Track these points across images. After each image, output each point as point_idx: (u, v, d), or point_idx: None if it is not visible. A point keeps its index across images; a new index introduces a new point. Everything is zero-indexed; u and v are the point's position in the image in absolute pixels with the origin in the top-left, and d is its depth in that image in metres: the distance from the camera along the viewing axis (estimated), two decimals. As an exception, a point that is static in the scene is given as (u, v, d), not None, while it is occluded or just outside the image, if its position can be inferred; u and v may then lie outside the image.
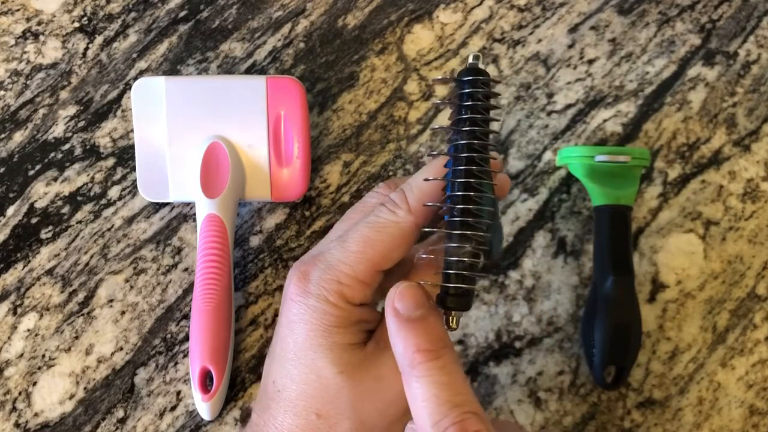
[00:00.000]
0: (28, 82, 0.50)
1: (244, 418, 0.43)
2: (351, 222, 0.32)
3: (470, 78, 0.28)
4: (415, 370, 0.25)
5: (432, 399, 0.25)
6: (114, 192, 0.48)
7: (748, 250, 0.46)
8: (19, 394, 0.44)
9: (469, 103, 0.28)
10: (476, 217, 0.27)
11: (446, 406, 0.24)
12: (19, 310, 0.45)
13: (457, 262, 0.27)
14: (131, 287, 0.46)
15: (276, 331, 0.32)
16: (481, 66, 0.29)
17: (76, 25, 0.52)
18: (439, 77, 0.29)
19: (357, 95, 0.49)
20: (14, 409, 0.43)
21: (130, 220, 0.47)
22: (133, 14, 0.52)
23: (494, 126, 0.31)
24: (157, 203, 0.47)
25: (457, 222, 0.27)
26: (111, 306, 0.45)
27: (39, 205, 0.47)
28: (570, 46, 0.50)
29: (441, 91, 0.49)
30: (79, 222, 0.47)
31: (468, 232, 0.27)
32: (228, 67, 0.50)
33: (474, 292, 0.28)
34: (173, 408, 0.43)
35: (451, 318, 0.28)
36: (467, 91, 0.28)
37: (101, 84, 0.50)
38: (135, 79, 0.50)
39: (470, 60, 0.29)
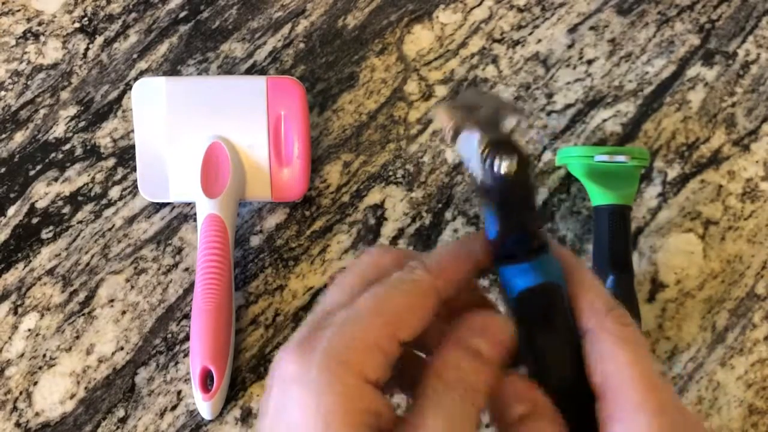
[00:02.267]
0: (28, 83, 0.50)
1: None
2: (347, 286, 0.26)
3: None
4: (584, 266, 0.27)
5: (602, 287, 0.27)
6: (115, 192, 0.48)
7: (747, 249, 0.46)
8: (20, 393, 0.44)
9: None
10: None
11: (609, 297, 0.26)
12: (20, 310, 0.45)
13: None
14: (132, 287, 0.46)
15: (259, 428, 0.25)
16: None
17: (77, 25, 0.52)
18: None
19: (357, 95, 0.50)
20: (15, 408, 0.43)
21: (130, 220, 0.47)
22: (133, 15, 0.52)
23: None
24: (158, 203, 0.47)
25: None
26: (112, 306, 0.45)
27: (40, 205, 0.48)
28: (569, 47, 0.50)
29: (441, 91, 0.49)
30: (80, 222, 0.47)
31: None
32: (228, 68, 0.50)
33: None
34: (174, 407, 0.43)
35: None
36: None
37: (102, 84, 0.50)
38: (135, 79, 0.50)
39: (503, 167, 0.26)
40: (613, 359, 0.26)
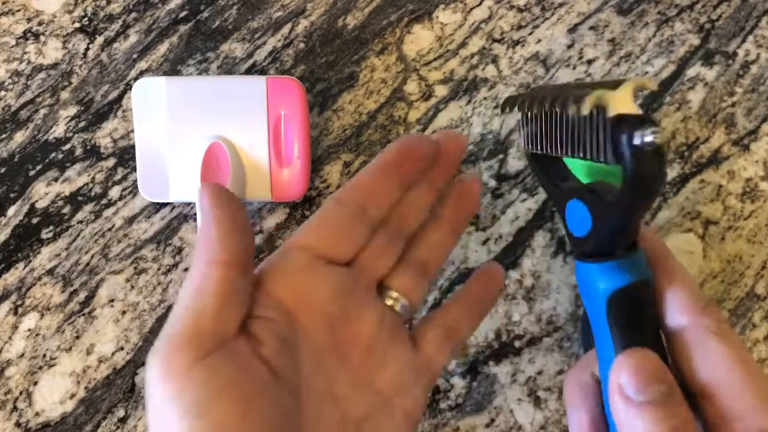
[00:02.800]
0: (28, 83, 0.50)
1: None
2: None
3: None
4: (674, 260, 0.26)
5: (694, 282, 0.26)
6: (115, 192, 0.48)
7: (747, 249, 0.46)
8: (20, 393, 0.44)
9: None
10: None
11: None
12: (20, 310, 0.45)
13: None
14: (132, 287, 0.46)
15: None
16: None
17: (77, 25, 0.52)
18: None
19: (357, 95, 0.50)
20: (15, 408, 0.43)
21: (130, 220, 0.47)
22: (133, 14, 0.52)
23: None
24: (158, 203, 0.47)
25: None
26: (112, 306, 0.45)
27: (40, 205, 0.48)
28: (569, 46, 0.50)
29: (441, 91, 0.49)
30: (80, 222, 0.47)
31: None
32: (228, 68, 0.50)
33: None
34: (174, 407, 0.43)
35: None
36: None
37: (102, 84, 0.50)
38: (135, 79, 0.50)
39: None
40: (720, 358, 0.25)
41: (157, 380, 0.25)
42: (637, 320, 0.27)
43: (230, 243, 0.27)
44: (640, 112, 0.25)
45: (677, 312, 0.27)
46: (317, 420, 0.28)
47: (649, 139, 0.24)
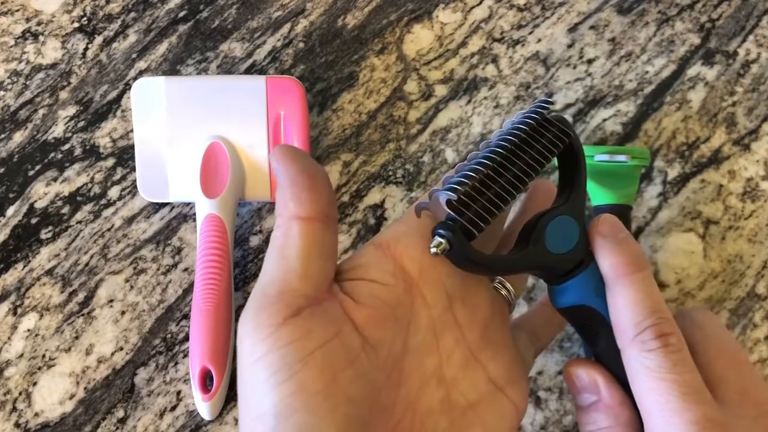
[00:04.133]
0: (27, 83, 0.50)
1: None
2: None
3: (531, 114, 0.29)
4: (621, 279, 0.27)
5: (635, 304, 0.27)
6: (114, 192, 0.48)
7: (747, 249, 0.46)
8: (20, 394, 0.44)
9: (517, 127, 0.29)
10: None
11: (647, 311, 0.27)
12: (19, 311, 0.45)
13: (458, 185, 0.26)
14: (131, 287, 0.46)
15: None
16: (544, 111, 0.29)
17: (76, 25, 0.52)
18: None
19: (357, 95, 0.49)
20: (14, 409, 0.43)
21: (130, 220, 0.47)
22: (132, 14, 0.52)
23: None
24: (157, 203, 0.47)
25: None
26: (111, 306, 0.45)
27: (39, 205, 0.47)
28: (569, 46, 0.50)
29: (441, 90, 0.49)
30: (79, 222, 0.47)
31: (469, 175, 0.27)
32: (228, 67, 0.50)
33: (463, 228, 0.26)
34: (173, 408, 0.43)
35: (433, 241, 0.27)
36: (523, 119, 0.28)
37: (101, 84, 0.50)
38: (135, 79, 0.50)
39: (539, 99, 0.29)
40: (637, 385, 0.27)
41: (246, 339, 0.24)
42: (586, 332, 0.30)
43: (309, 197, 0.26)
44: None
45: (616, 336, 0.28)
46: (416, 400, 0.27)
47: (432, 251, 0.26)
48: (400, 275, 0.27)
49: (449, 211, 0.26)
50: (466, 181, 0.26)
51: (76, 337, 0.45)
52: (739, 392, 0.27)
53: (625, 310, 0.27)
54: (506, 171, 0.28)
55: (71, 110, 0.49)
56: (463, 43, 0.50)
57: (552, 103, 0.29)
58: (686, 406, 0.25)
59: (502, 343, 0.30)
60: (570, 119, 0.48)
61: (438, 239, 0.26)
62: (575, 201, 0.29)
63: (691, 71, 0.49)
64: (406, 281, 0.27)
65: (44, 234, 0.47)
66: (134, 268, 0.46)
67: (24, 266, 0.46)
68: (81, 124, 0.49)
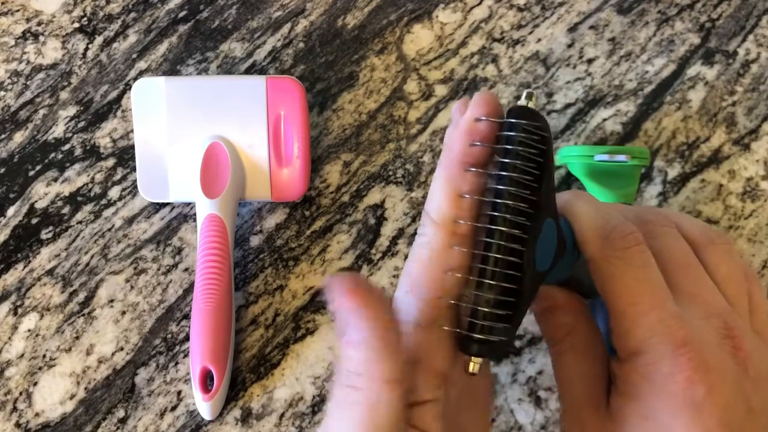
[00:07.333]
0: (28, 83, 0.50)
1: None
2: None
3: (515, 121, 0.25)
4: (579, 198, 0.30)
5: (596, 211, 0.29)
6: (114, 192, 0.48)
7: (747, 249, 0.46)
8: (20, 394, 0.44)
9: (510, 147, 0.25)
10: (505, 264, 0.25)
11: (609, 215, 0.28)
12: (19, 311, 0.45)
13: (475, 310, 0.25)
14: (132, 287, 0.46)
15: None
16: (532, 106, 0.25)
17: (76, 25, 0.52)
18: (485, 119, 0.25)
19: (357, 95, 0.49)
20: (15, 409, 0.43)
21: (130, 221, 0.47)
22: (132, 14, 0.52)
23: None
24: (158, 203, 0.47)
25: (478, 268, 0.25)
26: (111, 306, 0.45)
27: (39, 205, 0.47)
28: (569, 46, 0.50)
29: (441, 90, 0.49)
30: (80, 222, 0.47)
31: (486, 281, 0.24)
32: (228, 67, 0.50)
33: (499, 342, 0.25)
34: (174, 408, 0.43)
35: (470, 363, 0.25)
36: (509, 134, 0.25)
37: (101, 84, 0.50)
38: (135, 79, 0.50)
39: (522, 99, 0.26)
40: (609, 290, 0.28)
41: None
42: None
43: (396, 358, 0.23)
44: None
45: (582, 248, 0.28)
46: None
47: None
48: (443, 380, 0.26)
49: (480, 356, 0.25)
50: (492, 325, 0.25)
51: (77, 337, 0.45)
52: (690, 295, 0.27)
53: (588, 220, 0.28)
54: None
55: (71, 110, 0.50)
56: (463, 43, 0.50)
57: (531, 109, 0.26)
58: (656, 303, 0.26)
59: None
60: (566, 119, 0.49)
61: (474, 362, 0.25)
62: (549, 195, 0.27)
63: (691, 71, 0.49)
64: (446, 382, 0.26)
65: (45, 234, 0.47)
66: (135, 268, 0.46)
67: (24, 266, 0.46)
68: (81, 124, 0.49)
